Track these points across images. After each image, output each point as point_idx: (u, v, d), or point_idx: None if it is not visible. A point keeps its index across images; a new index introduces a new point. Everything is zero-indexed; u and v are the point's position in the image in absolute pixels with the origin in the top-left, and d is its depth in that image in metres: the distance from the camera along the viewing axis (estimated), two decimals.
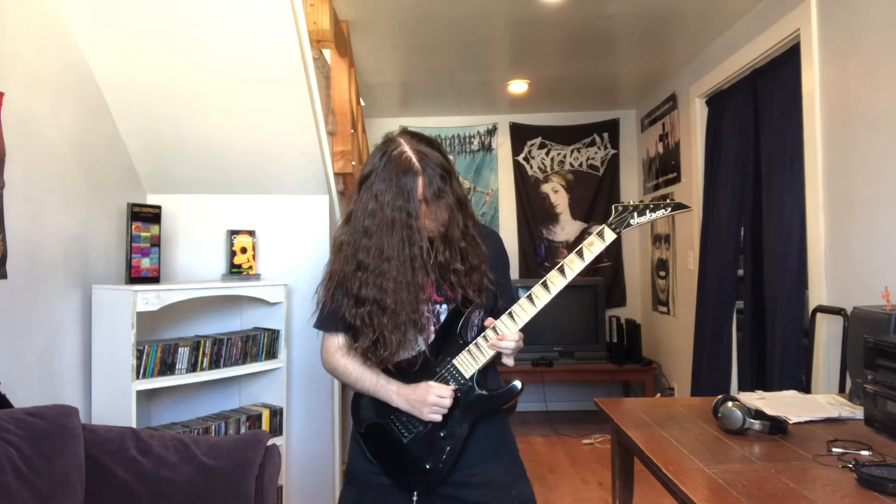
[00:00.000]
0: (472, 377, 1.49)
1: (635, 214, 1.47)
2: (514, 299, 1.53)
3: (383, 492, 1.53)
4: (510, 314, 1.47)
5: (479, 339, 1.49)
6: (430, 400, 1.45)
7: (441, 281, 1.49)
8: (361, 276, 1.44)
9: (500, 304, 1.57)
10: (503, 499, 1.51)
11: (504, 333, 1.47)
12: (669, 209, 1.48)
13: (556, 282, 1.46)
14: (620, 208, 1.48)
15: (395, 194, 1.41)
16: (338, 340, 1.57)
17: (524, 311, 1.47)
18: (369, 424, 1.54)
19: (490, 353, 1.48)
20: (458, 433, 1.48)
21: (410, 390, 1.48)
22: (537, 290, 1.47)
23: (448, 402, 1.46)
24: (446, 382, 1.48)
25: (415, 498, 1.49)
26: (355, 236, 1.46)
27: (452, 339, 1.50)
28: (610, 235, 1.47)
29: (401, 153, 1.44)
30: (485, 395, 1.49)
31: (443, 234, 1.46)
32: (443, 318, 1.52)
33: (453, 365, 1.49)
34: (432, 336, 1.50)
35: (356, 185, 1.52)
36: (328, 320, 1.56)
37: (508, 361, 1.50)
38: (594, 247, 1.46)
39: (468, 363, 1.49)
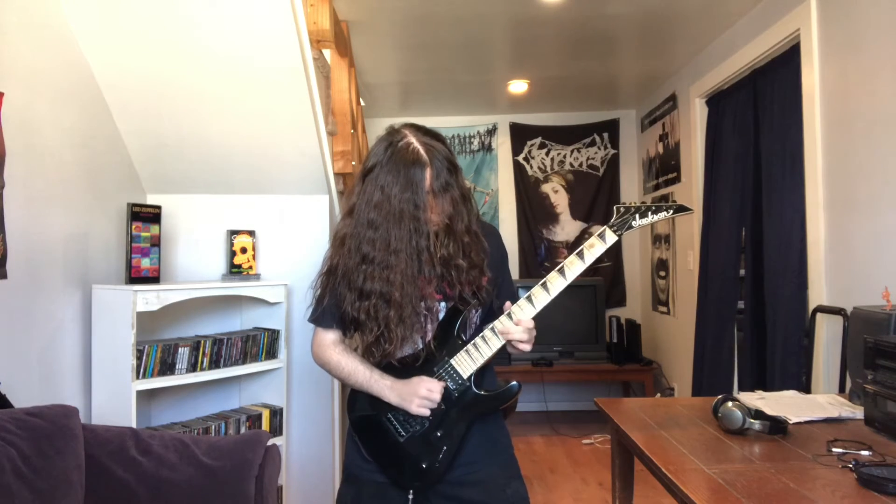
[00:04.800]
0: (469, 377, 1.48)
1: (637, 216, 1.45)
2: (515, 294, 1.52)
3: (380, 489, 1.53)
4: (509, 314, 1.46)
5: (478, 339, 1.48)
6: (420, 393, 1.45)
7: (441, 278, 1.48)
8: (366, 269, 1.43)
9: (496, 304, 1.56)
10: (498, 497, 1.51)
11: (517, 316, 1.45)
12: (672, 211, 1.46)
13: (556, 283, 1.45)
14: (622, 209, 1.46)
15: (402, 186, 1.39)
16: (332, 335, 1.57)
17: (522, 311, 1.46)
18: (366, 422, 1.54)
19: (489, 351, 1.47)
20: (455, 433, 1.48)
21: (402, 384, 1.47)
22: (537, 290, 1.46)
23: (437, 396, 1.45)
24: (435, 381, 1.48)
25: (410, 496, 1.49)
26: (359, 229, 1.44)
27: (451, 338, 1.49)
28: (611, 237, 1.45)
29: (408, 144, 1.42)
30: (482, 395, 1.49)
31: (447, 227, 1.45)
32: (441, 316, 1.51)
33: (451, 365, 1.48)
34: (430, 334, 1.49)
35: (358, 178, 1.50)
36: (324, 315, 1.55)
37: (525, 347, 1.47)
38: (595, 248, 1.45)
39: (466, 363, 1.48)
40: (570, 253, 1.48)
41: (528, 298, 1.46)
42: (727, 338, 3.87)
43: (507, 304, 1.48)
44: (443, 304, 1.51)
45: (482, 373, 1.51)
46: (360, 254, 1.44)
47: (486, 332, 1.47)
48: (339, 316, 1.52)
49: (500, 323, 1.46)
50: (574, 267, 1.44)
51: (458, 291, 1.48)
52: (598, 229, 1.48)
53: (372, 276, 1.42)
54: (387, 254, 1.41)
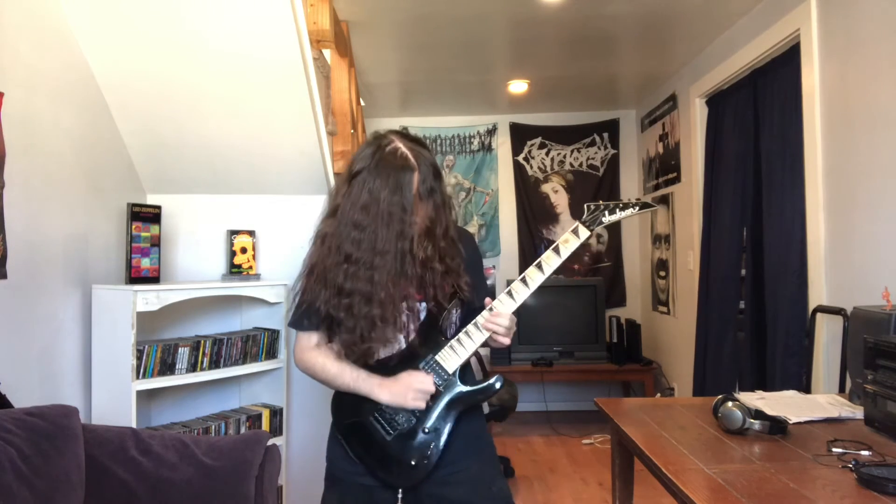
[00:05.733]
0: (454, 372, 1.51)
1: (606, 213, 1.56)
2: (490, 297, 1.56)
3: (366, 492, 1.53)
4: (490, 309, 1.51)
5: (461, 335, 1.51)
6: (414, 386, 1.47)
7: (421, 279, 1.50)
8: (348, 269, 1.45)
9: (475, 303, 1.58)
10: (485, 495, 1.53)
11: (498, 310, 1.50)
12: (637, 208, 1.58)
13: (535, 277, 1.51)
14: (593, 207, 1.57)
15: (392, 189, 1.43)
16: (314, 338, 1.58)
17: (503, 305, 1.50)
18: (352, 422, 1.54)
19: (473, 345, 1.50)
20: (443, 429, 1.50)
21: (392, 381, 1.49)
22: (517, 285, 1.52)
23: (430, 387, 1.48)
24: (424, 373, 1.50)
25: (400, 495, 1.50)
26: (342, 229, 1.47)
27: (434, 335, 1.52)
28: (584, 232, 1.54)
29: (395, 149, 1.47)
30: (467, 389, 1.52)
31: (427, 230, 1.49)
32: (423, 315, 1.53)
33: (436, 361, 1.51)
34: (412, 333, 1.51)
35: (343, 181, 1.52)
36: (303, 318, 1.57)
37: (505, 340, 1.51)
38: (569, 244, 1.53)
39: (451, 358, 1.51)
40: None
41: (509, 293, 1.52)
42: (729, 338, 3.87)
43: (488, 299, 1.53)
44: (423, 304, 1.53)
45: (463, 371, 1.54)
46: (341, 253, 1.46)
47: (469, 328, 1.51)
48: (320, 318, 1.53)
49: (482, 318, 1.50)
50: (551, 262, 1.52)
51: (433, 294, 1.51)
52: (572, 226, 1.57)
53: (355, 276, 1.44)
54: (372, 254, 1.44)
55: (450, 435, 1.50)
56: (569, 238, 1.53)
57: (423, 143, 1.53)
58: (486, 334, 1.50)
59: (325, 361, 1.55)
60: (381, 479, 1.51)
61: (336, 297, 1.46)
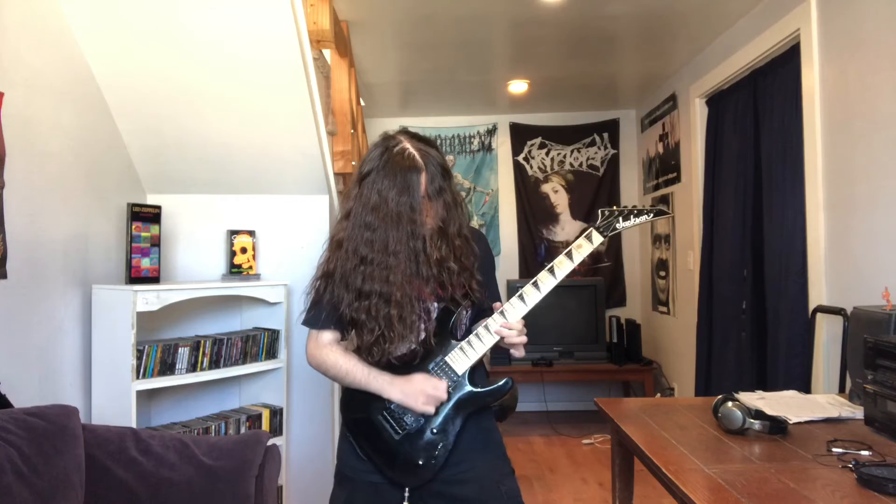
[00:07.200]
0: (464, 374, 1.51)
1: (620, 219, 1.56)
2: (498, 298, 1.57)
3: (374, 490, 1.54)
4: (501, 312, 1.50)
5: (472, 337, 1.51)
6: (427, 391, 1.47)
7: (436, 279, 1.51)
8: (364, 270, 1.46)
9: (486, 304, 1.58)
10: (493, 494, 1.53)
11: (509, 314, 1.49)
12: (652, 215, 1.58)
13: (547, 282, 1.51)
14: (607, 213, 1.57)
15: (399, 190, 1.43)
16: (328, 336, 1.59)
17: (514, 308, 1.50)
18: (361, 421, 1.55)
19: (483, 348, 1.50)
20: (451, 429, 1.50)
21: (404, 381, 1.49)
22: (528, 289, 1.51)
23: (443, 395, 1.48)
24: (438, 379, 1.50)
25: (406, 494, 1.50)
26: (356, 231, 1.47)
27: (444, 336, 1.52)
28: (597, 238, 1.54)
29: (403, 150, 1.47)
30: (477, 391, 1.52)
31: (440, 230, 1.49)
32: (433, 316, 1.53)
33: (445, 362, 1.51)
34: (423, 334, 1.51)
35: (354, 183, 1.53)
36: (321, 317, 1.57)
37: (518, 353, 1.52)
38: (582, 249, 1.53)
39: (461, 359, 1.51)
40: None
41: (521, 297, 1.51)
42: (733, 338, 3.86)
43: (497, 304, 1.53)
44: (435, 304, 1.54)
45: (474, 371, 1.54)
46: (357, 256, 1.47)
47: (480, 330, 1.51)
48: (336, 318, 1.54)
49: (494, 322, 1.50)
50: (563, 266, 1.52)
51: (450, 293, 1.51)
52: (585, 231, 1.56)
53: (371, 276, 1.45)
54: (385, 255, 1.44)
55: (458, 435, 1.50)
56: (582, 243, 1.53)
57: (432, 143, 1.52)
58: (496, 338, 1.50)
59: (336, 358, 1.56)
60: (388, 478, 1.52)
61: (356, 300, 1.47)
